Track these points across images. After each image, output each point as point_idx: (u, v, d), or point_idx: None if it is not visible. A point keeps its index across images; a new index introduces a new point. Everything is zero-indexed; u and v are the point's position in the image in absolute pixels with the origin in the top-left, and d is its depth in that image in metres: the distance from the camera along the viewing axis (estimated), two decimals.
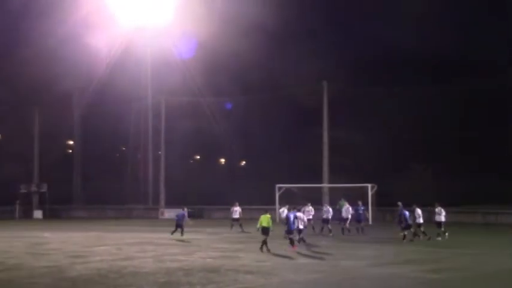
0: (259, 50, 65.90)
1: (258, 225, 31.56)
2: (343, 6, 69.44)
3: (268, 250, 30.63)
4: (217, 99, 70.60)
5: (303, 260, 27.86)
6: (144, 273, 24.34)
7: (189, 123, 70.84)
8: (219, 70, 67.97)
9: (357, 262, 27.29)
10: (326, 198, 59.74)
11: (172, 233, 38.60)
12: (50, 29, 62.82)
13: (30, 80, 69.06)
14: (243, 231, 43.31)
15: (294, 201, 51.99)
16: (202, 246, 34.04)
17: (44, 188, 73.86)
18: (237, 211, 45.27)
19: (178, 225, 38.67)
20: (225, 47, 65.49)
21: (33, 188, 74.36)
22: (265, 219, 31.49)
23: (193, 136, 72.53)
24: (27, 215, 70.06)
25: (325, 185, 61.99)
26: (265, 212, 32.77)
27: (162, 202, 70.04)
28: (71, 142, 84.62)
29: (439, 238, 36.95)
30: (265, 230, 31.17)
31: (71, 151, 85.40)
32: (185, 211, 41.29)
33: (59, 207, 72.30)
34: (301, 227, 33.36)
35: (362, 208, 42.43)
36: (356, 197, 44.75)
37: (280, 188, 56.45)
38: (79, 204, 75.14)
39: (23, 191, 73.24)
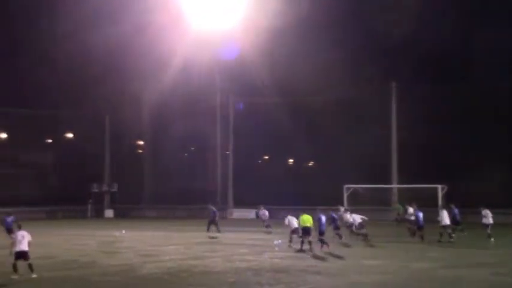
0: (326, 49, 65.43)
1: (301, 224, 31.60)
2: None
3: (311, 250, 30.61)
4: (285, 99, 70.37)
5: (370, 262, 27.62)
6: (214, 272, 24.54)
7: (258, 123, 70.97)
8: (284, 70, 67.71)
9: (425, 264, 26.89)
10: (394, 199, 59.10)
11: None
12: (119, 30, 63.63)
13: (101, 81, 70.24)
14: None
15: (362, 201, 51.90)
16: (270, 246, 34.07)
17: (115, 188, 75.31)
18: (265, 213, 45.85)
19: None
20: (290, 46, 65.30)
21: (105, 188, 75.82)
22: (308, 219, 31.54)
23: (262, 136, 72.59)
24: (99, 214, 71.45)
25: (394, 185, 61.24)
26: (304, 212, 32.76)
27: (231, 202, 70.38)
28: (141, 142, 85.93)
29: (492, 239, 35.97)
30: (306, 230, 31.22)
31: (141, 151, 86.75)
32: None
33: (130, 207, 73.44)
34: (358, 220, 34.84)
35: (456, 210, 39.91)
36: (428, 199, 43.76)
37: (348, 189, 55.98)
38: (149, 204, 76.15)
39: (95, 190, 74.75)
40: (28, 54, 71.82)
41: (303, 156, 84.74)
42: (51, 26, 68.35)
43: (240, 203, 67.66)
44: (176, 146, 78.78)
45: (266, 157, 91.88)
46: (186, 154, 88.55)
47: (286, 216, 34.92)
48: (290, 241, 33.26)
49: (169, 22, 63.93)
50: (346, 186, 56.10)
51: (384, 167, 63.08)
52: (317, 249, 30.89)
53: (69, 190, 71.48)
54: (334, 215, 35.33)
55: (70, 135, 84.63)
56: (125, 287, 22.47)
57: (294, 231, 33.29)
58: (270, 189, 68.25)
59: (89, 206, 72.14)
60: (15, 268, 23.03)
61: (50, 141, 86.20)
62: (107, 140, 77.92)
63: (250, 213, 62.62)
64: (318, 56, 64.40)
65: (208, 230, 42.43)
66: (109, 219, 69.74)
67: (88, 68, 68.07)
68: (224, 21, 65.99)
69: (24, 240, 23.42)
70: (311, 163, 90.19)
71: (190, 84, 70.51)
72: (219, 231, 42.27)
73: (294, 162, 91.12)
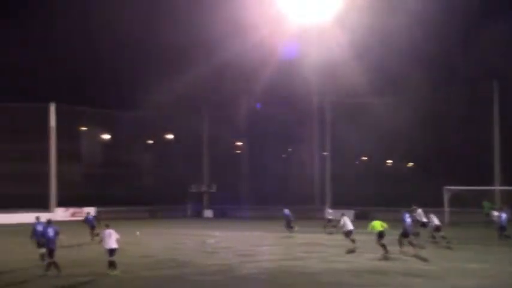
0: (419, 47, 64.14)
1: (375, 230, 30.67)
2: None
3: (387, 252, 29.86)
4: (384, 99, 69.34)
5: (470, 265, 26.77)
6: (312, 273, 24.37)
7: (356, 123, 70.20)
8: (380, 68, 66.69)
9: None
10: (497, 200, 57.23)
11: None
12: (217, 30, 64.18)
13: (199, 82, 71.23)
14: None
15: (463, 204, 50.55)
16: (369, 247, 33.52)
17: (214, 188, 76.24)
18: (331, 213, 46.68)
19: None
20: (384, 44, 64.31)
21: (204, 188, 76.90)
22: (379, 224, 30.72)
23: (360, 137, 71.77)
24: (197, 214, 72.45)
25: (496, 187, 59.26)
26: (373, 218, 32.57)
27: (329, 203, 69.95)
28: (239, 143, 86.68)
29: None
30: (381, 234, 30.51)
31: (238, 152, 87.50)
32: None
33: (228, 207, 74.07)
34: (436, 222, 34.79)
35: None
36: None
37: (448, 191, 54.59)
38: (246, 204, 76.63)
39: (194, 190, 75.91)
40: (132, 58, 73.89)
41: (402, 157, 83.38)
42: (153, 31, 69.62)
43: (338, 204, 67.10)
44: (274, 147, 79.01)
45: (364, 158, 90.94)
46: (283, 155, 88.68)
47: (342, 216, 34.69)
48: (353, 242, 32.78)
49: (267, 21, 63.98)
50: (446, 188, 54.77)
51: (486, 168, 61.21)
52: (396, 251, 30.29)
53: (168, 190, 72.89)
54: (407, 215, 34.53)
55: (170, 136, 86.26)
56: (225, 286, 22.61)
57: (348, 233, 33.06)
58: (367, 191, 67.56)
59: (188, 206, 73.30)
60: (110, 264, 24.22)
61: (151, 142, 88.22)
62: (206, 141, 78.95)
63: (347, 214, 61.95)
64: (414, 53, 63.27)
65: (289, 230, 43.68)
66: (208, 219, 70.61)
67: (187, 69, 69.08)
68: (320, 18, 65.43)
69: (112, 237, 24.51)
70: (410, 164, 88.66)
71: (288, 83, 70.44)
72: (290, 231, 43.45)
73: (393, 163, 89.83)
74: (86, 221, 40.25)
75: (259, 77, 69.98)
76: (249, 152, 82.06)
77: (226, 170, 79.57)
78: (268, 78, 68.37)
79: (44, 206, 66.20)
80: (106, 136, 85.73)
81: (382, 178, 75.42)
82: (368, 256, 29.60)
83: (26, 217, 63.55)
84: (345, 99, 70.21)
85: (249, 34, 64.82)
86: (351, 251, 31.30)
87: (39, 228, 25.92)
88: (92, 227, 38.75)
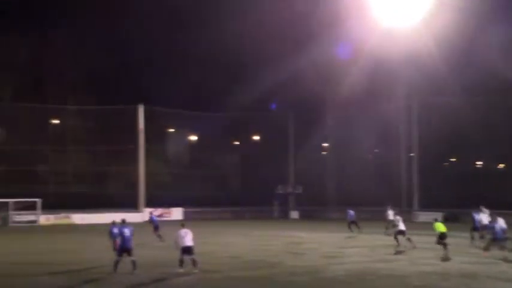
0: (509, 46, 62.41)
1: (437, 231, 30.99)
2: None
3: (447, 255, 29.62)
4: (474, 99, 67.81)
5: None
6: (399, 276, 24.22)
7: (443, 124, 69.01)
8: (471, 69, 65.26)
9: None
10: None
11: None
12: (302, 31, 64.33)
13: (286, 83, 71.58)
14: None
15: None
16: (458, 250, 32.98)
17: (300, 190, 76.39)
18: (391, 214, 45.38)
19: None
20: (472, 44, 62.97)
21: (290, 189, 77.16)
22: (441, 226, 31.08)
23: (448, 137, 70.52)
24: (284, 215, 72.74)
25: None
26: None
27: (416, 205, 69.08)
28: (325, 144, 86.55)
29: None
30: (442, 236, 30.63)
31: (325, 153, 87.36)
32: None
33: (314, 208, 74.06)
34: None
35: None
36: None
37: None
38: (332, 206, 76.45)
39: (280, 191, 76.24)
40: (218, 61, 74.87)
41: (492, 158, 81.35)
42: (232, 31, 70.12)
43: (426, 206, 66.20)
44: (360, 148, 78.50)
45: (453, 159, 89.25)
46: (369, 155, 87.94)
47: (396, 216, 35.84)
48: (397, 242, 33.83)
49: (354, 20, 63.60)
50: None
51: None
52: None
53: (254, 191, 73.45)
54: (476, 215, 34.28)
55: (256, 137, 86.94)
56: None
57: (400, 232, 34.07)
58: (458, 192, 66.29)
59: (275, 207, 73.68)
60: (181, 262, 24.90)
61: (237, 143, 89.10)
62: (291, 142, 79.18)
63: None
64: (505, 52, 61.64)
65: (357, 229, 44.95)
66: (294, 220, 70.81)
67: (272, 70, 69.41)
68: (408, 17, 64.56)
69: (187, 236, 25.23)
70: (501, 165, 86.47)
71: (374, 83, 69.86)
72: (352, 231, 44.78)
73: (482, 164, 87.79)
74: (151, 220, 41.25)
75: (345, 77, 69.60)
76: (336, 153, 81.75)
77: (312, 171, 79.61)
78: (355, 77, 67.90)
79: (133, 206, 67.94)
80: (193, 137, 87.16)
81: (471, 179, 73.83)
82: (458, 259, 29.13)
83: (116, 217, 65.67)
84: (433, 98, 69.13)
85: (336, 34, 64.69)
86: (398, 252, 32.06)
87: (115, 230, 26.87)
88: (156, 227, 39.60)
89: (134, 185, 70.72)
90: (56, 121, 77.57)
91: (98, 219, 57.77)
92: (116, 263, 24.57)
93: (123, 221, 26.15)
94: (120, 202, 66.35)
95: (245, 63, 74.44)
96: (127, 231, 25.04)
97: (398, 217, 35.94)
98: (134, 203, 68.76)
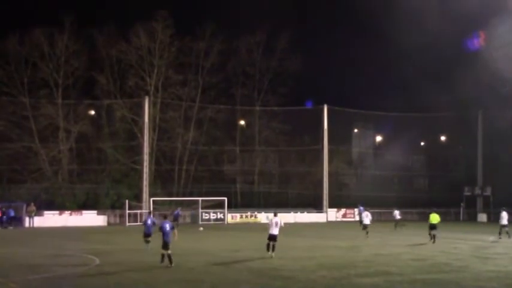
0: None
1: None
2: None
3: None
4: None
5: None
6: None
7: None
8: None
9: None
10: None
11: None
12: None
13: (474, 82, 69.37)
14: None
15: None
16: None
17: (488, 191, 73.71)
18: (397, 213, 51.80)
19: None
20: None
21: (477, 191, 74.70)
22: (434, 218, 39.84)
23: None
24: (471, 218, 70.62)
25: None
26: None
27: None
28: None
29: None
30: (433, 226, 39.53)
31: None
32: None
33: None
34: None
35: None
36: None
37: None
38: None
39: (467, 193, 74.07)
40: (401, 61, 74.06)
41: None
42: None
43: None
44: None
45: None
46: None
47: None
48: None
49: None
50: None
51: None
52: None
53: (441, 193, 71.85)
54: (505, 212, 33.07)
55: (443, 137, 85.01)
56: None
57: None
58: None
59: (461, 210, 71.69)
60: (268, 247, 29.80)
61: (423, 143, 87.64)
62: (480, 141, 76.58)
63: None
64: None
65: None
66: (482, 223, 68.49)
67: (454, 69, 67.56)
68: None
69: (276, 226, 29.95)
70: None
71: None
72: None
73: None
74: (173, 216, 46.13)
75: None
76: None
77: (504, 172, 76.40)
78: None
79: (318, 207, 68.86)
80: (378, 138, 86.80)
81: None
82: None
83: (309, 217, 66.86)
84: None
85: None
86: None
87: (149, 221, 32.61)
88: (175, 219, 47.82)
89: (317, 185, 71.54)
90: (243, 122, 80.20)
91: (281, 219, 58.94)
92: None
93: (165, 216, 30.29)
94: (304, 202, 67.50)
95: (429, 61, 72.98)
96: (167, 226, 26.70)
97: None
98: (319, 203, 69.60)
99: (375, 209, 68.14)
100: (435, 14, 65.07)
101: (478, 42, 65.30)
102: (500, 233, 44.20)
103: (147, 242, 32.21)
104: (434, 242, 39.12)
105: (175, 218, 53.91)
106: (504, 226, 44.72)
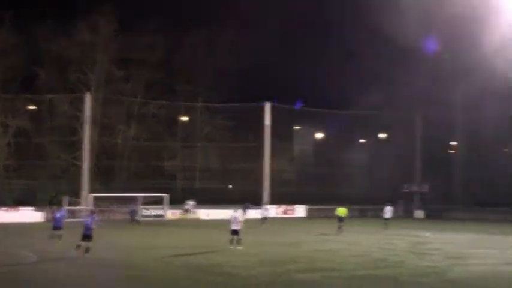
0: None
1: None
2: None
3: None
4: None
5: None
6: None
7: None
8: None
9: None
10: None
11: None
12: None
13: (413, 80, 70.50)
14: None
15: None
16: None
17: (425, 189, 75.02)
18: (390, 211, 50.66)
19: None
20: None
21: (415, 188, 75.94)
22: (342, 211, 44.31)
23: None
24: (407, 214, 71.66)
25: None
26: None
27: None
28: (454, 143, 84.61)
29: None
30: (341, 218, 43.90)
31: (453, 152, 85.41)
32: None
33: (440, 208, 72.52)
34: None
35: None
36: None
37: None
38: (459, 206, 74.49)
39: (405, 190, 75.22)
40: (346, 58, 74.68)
41: None
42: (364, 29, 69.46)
43: None
44: (489, 147, 76.14)
45: None
46: (506, 150, 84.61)
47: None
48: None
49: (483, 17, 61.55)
50: None
51: None
52: None
53: (379, 190, 72.66)
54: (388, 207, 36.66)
55: (383, 135, 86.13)
56: None
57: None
58: None
59: (399, 207, 72.71)
60: (231, 242, 32.03)
61: (363, 141, 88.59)
62: (418, 141, 77.85)
63: None
64: None
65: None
66: (418, 219, 69.70)
67: (395, 69, 68.37)
68: None
69: (235, 221, 32.55)
70: None
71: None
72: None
73: None
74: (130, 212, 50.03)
75: (474, 76, 67.52)
76: (465, 152, 79.70)
77: (439, 170, 77.95)
78: (485, 76, 65.75)
79: (257, 203, 68.96)
80: (319, 135, 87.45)
81: None
82: None
83: (249, 213, 66.75)
84: None
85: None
86: None
87: (57, 214, 35.83)
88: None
89: (259, 182, 71.68)
90: (186, 118, 79.93)
91: (222, 215, 59.09)
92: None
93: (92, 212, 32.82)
94: (245, 198, 67.56)
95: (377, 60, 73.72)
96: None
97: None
98: (258, 200, 69.76)
99: (314, 206, 68.94)
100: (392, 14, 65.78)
101: (432, 45, 66.26)
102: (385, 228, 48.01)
103: (57, 236, 33.90)
104: (341, 232, 43.26)
105: (131, 214, 55.05)
106: (387, 219, 49.60)
